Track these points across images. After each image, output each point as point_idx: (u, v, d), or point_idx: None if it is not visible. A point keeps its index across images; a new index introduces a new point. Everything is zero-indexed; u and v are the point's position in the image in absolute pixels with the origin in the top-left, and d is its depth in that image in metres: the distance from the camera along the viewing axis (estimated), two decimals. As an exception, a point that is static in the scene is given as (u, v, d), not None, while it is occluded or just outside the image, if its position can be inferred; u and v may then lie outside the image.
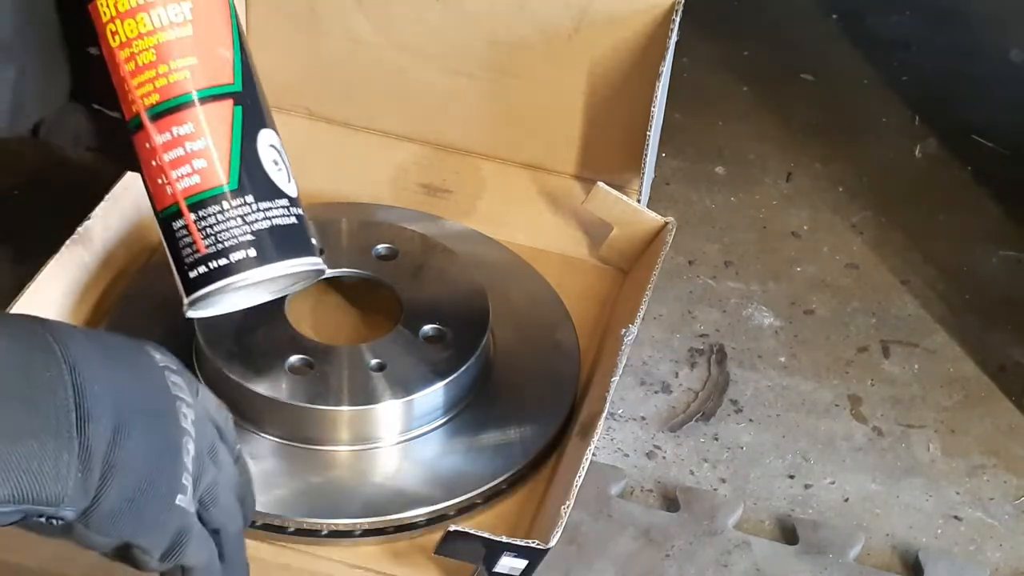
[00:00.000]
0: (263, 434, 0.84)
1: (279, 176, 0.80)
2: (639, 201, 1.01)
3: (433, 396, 0.85)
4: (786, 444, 0.93)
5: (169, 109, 0.76)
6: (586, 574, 0.83)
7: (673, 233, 0.97)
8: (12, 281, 0.87)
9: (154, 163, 0.77)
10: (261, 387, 0.83)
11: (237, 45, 0.78)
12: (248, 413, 0.83)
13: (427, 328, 0.88)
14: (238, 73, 0.78)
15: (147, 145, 0.77)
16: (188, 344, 0.88)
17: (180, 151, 0.77)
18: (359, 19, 1.03)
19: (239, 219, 0.77)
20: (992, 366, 1.00)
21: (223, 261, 0.78)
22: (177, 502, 0.61)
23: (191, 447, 0.62)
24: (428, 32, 1.02)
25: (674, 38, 0.95)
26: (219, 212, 0.77)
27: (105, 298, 0.93)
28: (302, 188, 1.04)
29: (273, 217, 0.79)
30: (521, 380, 0.90)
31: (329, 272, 0.93)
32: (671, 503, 0.88)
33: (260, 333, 0.87)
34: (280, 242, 0.79)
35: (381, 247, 0.95)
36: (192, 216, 0.77)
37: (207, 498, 0.64)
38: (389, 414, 0.85)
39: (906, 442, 0.94)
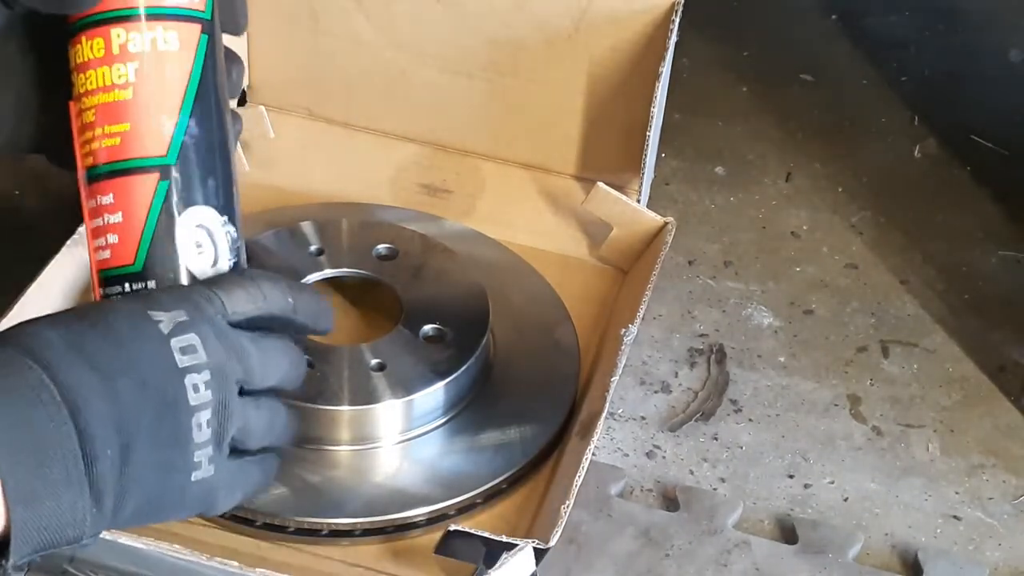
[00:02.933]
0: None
1: (199, 261, 0.72)
2: (639, 201, 1.02)
3: (433, 396, 0.86)
4: (785, 444, 0.93)
5: (98, 175, 0.70)
6: (586, 574, 0.83)
7: (673, 233, 0.97)
8: (12, 281, 0.87)
9: (86, 226, 0.73)
10: (261, 387, 0.83)
11: (186, 113, 0.71)
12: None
13: (427, 328, 0.88)
14: (175, 145, 0.71)
15: (83, 207, 0.72)
16: (188, 344, 0.88)
17: (100, 221, 0.71)
18: (359, 19, 1.03)
19: None
20: (991, 366, 1.00)
21: None
22: (193, 479, 0.62)
23: (204, 418, 0.62)
24: (428, 32, 1.02)
25: (674, 38, 0.95)
26: (120, 294, 0.71)
27: (105, 298, 0.93)
28: (302, 188, 1.05)
29: None
30: (521, 380, 0.90)
31: (329, 272, 0.93)
32: (671, 503, 0.88)
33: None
34: None
35: (381, 247, 0.95)
36: (101, 291, 0.72)
37: (238, 442, 0.65)
38: (389, 414, 0.85)
39: (905, 442, 0.94)
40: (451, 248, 0.95)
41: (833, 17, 1.35)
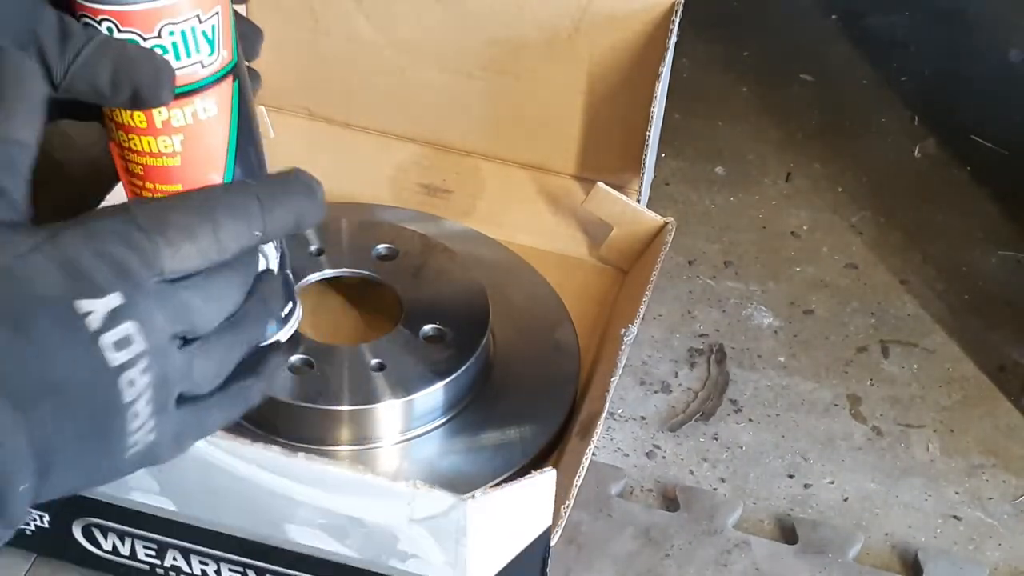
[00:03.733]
0: (263, 434, 0.84)
1: None
2: (639, 201, 1.02)
3: (433, 396, 0.86)
4: (786, 444, 0.93)
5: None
6: (586, 574, 0.83)
7: (673, 233, 0.97)
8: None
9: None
10: (261, 387, 0.84)
11: (230, 164, 0.71)
12: (248, 413, 0.83)
13: (427, 328, 0.88)
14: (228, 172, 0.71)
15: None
16: (188, 344, 0.88)
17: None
18: (359, 19, 1.03)
19: None
20: (991, 366, 1.00)
21: None
22: (128, 456, 0.57)
23: (141, 405, 0.56)
24: (428, 32, 1.02)
25: (674, 38, 0.95)
26: None
27: (105, 298, 0.93)
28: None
29: None
30: (521, 380, 0.90)
31: (329, 272, 0.93)
32: (671, 503, 0.88)
33: (260, 333, 0.87)
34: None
35: (381, 247, 0.95)
36: None
37: (188, 394, 0.59)
38: (389, 414, 0.85)
39: (905, 442, 0.94)
40: (451, 248, 0.95)
41: (833, 17, 1.35)
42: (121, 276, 0.55)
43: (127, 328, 0.55)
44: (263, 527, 0.73)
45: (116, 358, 0.55)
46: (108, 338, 0.55)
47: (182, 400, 0.59)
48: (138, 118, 0.65)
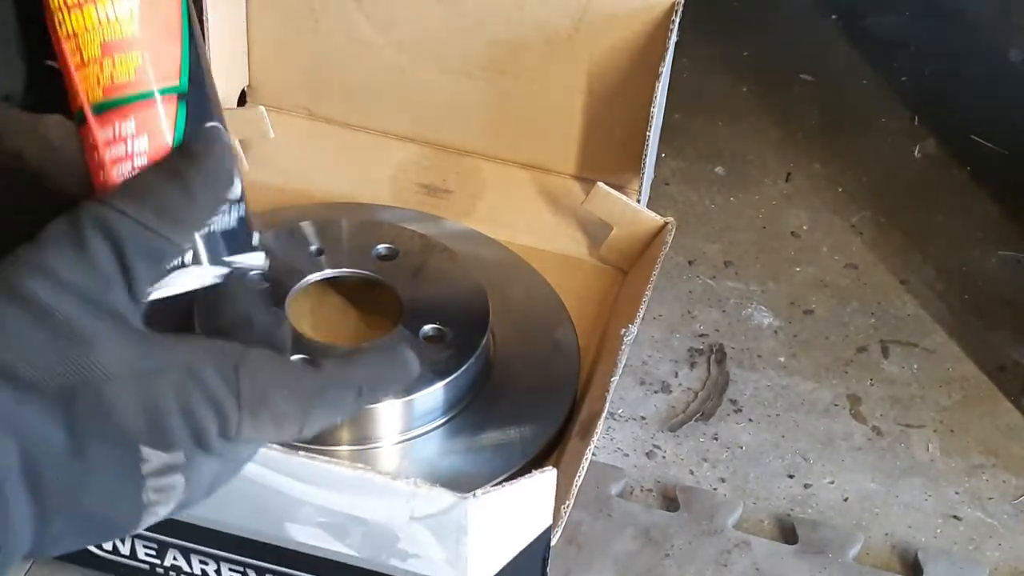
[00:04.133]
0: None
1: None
2: (639, 201, 1.02)
3: (433, 396, 0.85)
4: (786, 444, 0.93)
5: (111, 106, 0.73)
6: (586, 574, 0.83)
7: (673, 233, 0.97)
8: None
9: (95, 158, 0.77)
10: (261, 387, 0.83)
11: (186, 41, 0.77)
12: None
13: (427, 328, 0.88)
14: (184, 70, 0.75)
15: (89, 140, 0.76)
16: (188, 344, 0.88)
17: (122, 149, 0.76)
18: (359, 19, 1.03)
19: None
20: (991, 366, 1.00)
21: None
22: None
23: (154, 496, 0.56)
24: (428, 32, 1.02)
25: (674, 38, 0.95)
26: None
27: (105, 298, 0.93)
28: (302, 188, 1.05)
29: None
30: (521, 380, 0.90)
31: (329, 272, 0.93)
32: (671, 503, 0.88)
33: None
34: (218, 242, 0.79)
35: (381, 247, 0.95)
36: None
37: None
38: (389, 414, 0.85)
39: (905, 442, 0.94)
40: (451, 248, 0.95)
41: (833, 17, 1.35)
42: (194, 440, 0.56)
43: (176, 481, 0.56)
44: (264, 526, 0.73)
45: (153, 499, 0.56)
46: (154, 483, 0.55)
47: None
48: None
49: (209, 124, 0.76)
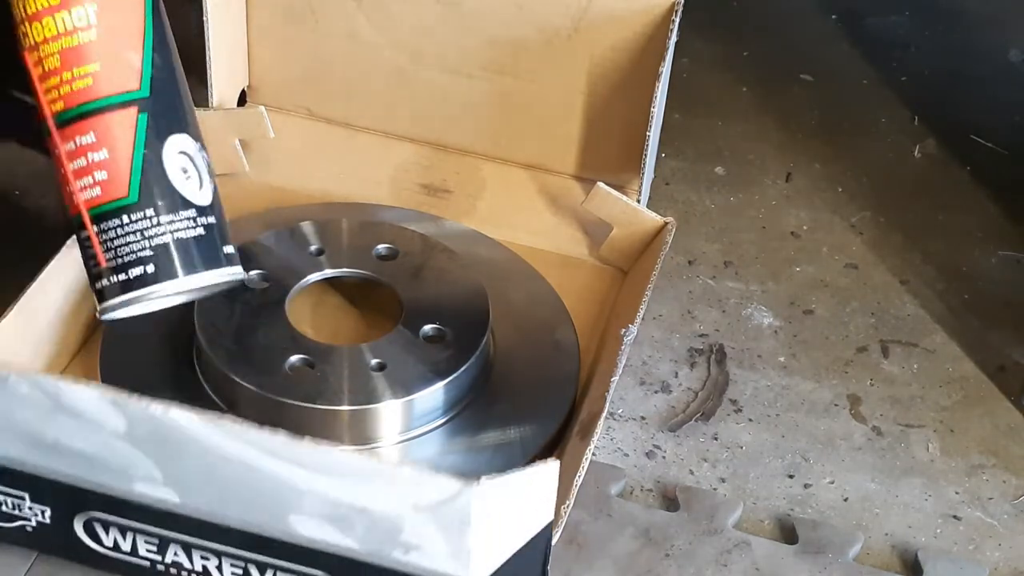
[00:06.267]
0: (263, 434, 0.84)
1: (187, 185, 0.77)
2: (639, 201, 1.02)
3: (433, 396, 0.86)
4: (785, 444, 0.93)
5: (73, 117, 0.74)
6: (586, 574, 0.83)
7: (673, 233, 0.97)
8: (12, 281, 0.87)
9: (61, 170, 0.76)
10: (261, 387, 0.84)
11: (148, 47, 0.75)
12: (248, 413, 0.83)
13: (427, 328, 0.88)
14: (146, 78, 0.75)
15: (55, 152, 0.75)
16: (188, 344, 0.88)
17: (83, 161, 0.75)
18: (359, 19, 1.03)
19: (139, 233, 0.77)
20: (991, 366, 1.00)
21: (123, 276, 0.78)
22: None
23: None
24: (428, 32, 1.02)
25: (674, 38, 0.95)
26: (119, 226, 0.76)
27: (105, 298, 0.93)
28: (302, 188, 1.05)
29: (176, 231, 0.77)
30: (521, 380, 0.90)
31: (329, 272, 0.93)
32: (671, 503, 0.88)
33: (260, 333, 0.87)
34: (183, 256, 0.78)
35: (381, 247, 0.95)
36: (94, 228, 0.76)
37: None
38: (389, 414, 0.85)
39: (905, 442, 0.94)
40: (451, 248, 0.95)
41: (833, 17, 1.35)
42: None
43: None
44: (266, 518, 0.73)
45: None
46: None
47: None
48: None
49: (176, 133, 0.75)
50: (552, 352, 0.93)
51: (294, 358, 0.85)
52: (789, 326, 1.02)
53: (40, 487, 0.76)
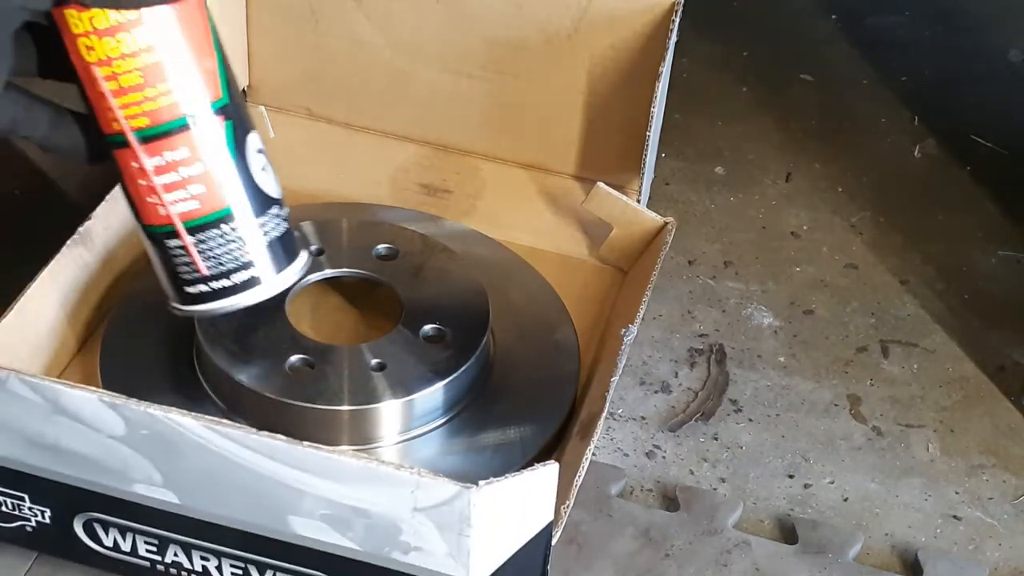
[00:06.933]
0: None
1: (268, 182, 0.77)
2: (639, 201, 1.02)
3: (433, 396, 0.86)
4: (785, 444, 0.93)
5: (160, 133, 0.72)
6: (586, 574, 0.83)
7: (673, 233, 0.97)
8: (12, 281, 0.87)
9: (143, 183, 0.73)
10: (261, 387, 0.84)
11: (218, 50, 0.73)
12: (248, 412, 0.83)
13: (427, 328, 0.88)
14: (223, 83, 0.74)
15: (134, 164, 0.72)
16: (188, 344, 0.88)
17: (175, 175, 0.73)
18: (359, 19, 1.03)
19: (239, 240, 0.76)
20: (991, 366, 1.00)
21: (225, 282, 0.77)
22: None
23: None
24: (428, 32, 1.02)
25: (674, 38, 0.95)
26: (219, 235, 0.75)
27: (106, 298, 0.93)
28: (302, 188, 1.05)
29: (268, 231, 0.77)
30: (521, 380, 0.90)
31: (329, 272, 0.93)
32: (671, 503, 0.88)
33: (260, 333, 0.87)
34: (276, 253, 0.78)
35: (381, 247, 0.95)
36: (191, 239, 0.75)
37: None
38: (389, 414, 0.85)
39: (905, 442, 0.94)
40: (451, 248, 0.95)
41: (833, 17, 1.35)
42: None
43: None
44: (266, 519, 0.73)
45: None
46: None
47: None
48: (126, 11, 0.68)
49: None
50: (552, 352, 0.93)
51: (294, 358, 0.85)
52: (789, 326, 1.02)
53: (40, 488, 0.76)
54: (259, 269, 0.77)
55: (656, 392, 0.96)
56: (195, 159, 0.73)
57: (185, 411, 0.70)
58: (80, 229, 0.90)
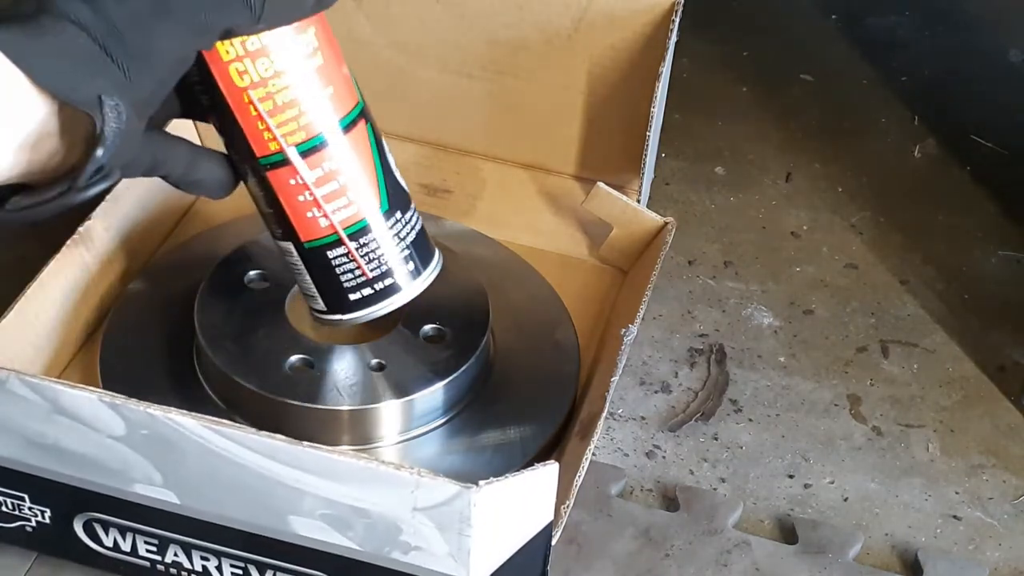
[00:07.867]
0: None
1: (401, 177, 0.80)
2: (639, 201, 1.02)
3: (433, 396, 0.86)
4: (786, 444, 0.93)
5: (317, 145, 0.74)
6: (586, 574, 0.83)
7: (673, 233, 0.97)
8: (12, 281, 0.87)
9: (302, 198, 0.75)
10: (261, 387, 0.84)
11: (339, 51, 0.76)
12: (248, 412, 0.83)
13: (427, 328, 0.88)
14: (355, 83, 0.76)
15: (293, 181, 0.74)
16: (188, 344, 0.88)
17: (334, 184, 0.75)
18: (359, 19, 1.03)
19: (395, 237, 0.78)
20: (991, 366, 1.00)
21: (389, 281, 0.79)
22: None
23: None
24: (428, 32, 1.02)
25: (674, 38, 0.95)
26: (378, 235, 0.78)
27: (105, 298, 0.93)
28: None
29: (414, 224, 0.80)
30: (521, 380, 0.90)
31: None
32: (671, 503, 0.88)
33: (260, 333, 0.87)
34: (421, 246, 0.80)
35: (381, 247, 0.95)
36: (353, 244, 0.77)
37: None
38: (389, 414, 0.85)
39: (905, 442, 0.94)
40: (451, 248, 0.95)
41: (833, 17, 1.35)
42: None
43: None
44: (266, 519, 0.73)
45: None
46: None
47: None
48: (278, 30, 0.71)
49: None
50: (552, 352, 0.93)
51: (294, 358, 0.85)
52: (789, 326, 1.02)
53: (40, 488, 0.76)
54: (413, 262, 0.79)
55: (656, 392, 0.96)
56: (350, 164, 0.75)
57: (185, 411, 0.70)
58: (80, 229, 0.90)
